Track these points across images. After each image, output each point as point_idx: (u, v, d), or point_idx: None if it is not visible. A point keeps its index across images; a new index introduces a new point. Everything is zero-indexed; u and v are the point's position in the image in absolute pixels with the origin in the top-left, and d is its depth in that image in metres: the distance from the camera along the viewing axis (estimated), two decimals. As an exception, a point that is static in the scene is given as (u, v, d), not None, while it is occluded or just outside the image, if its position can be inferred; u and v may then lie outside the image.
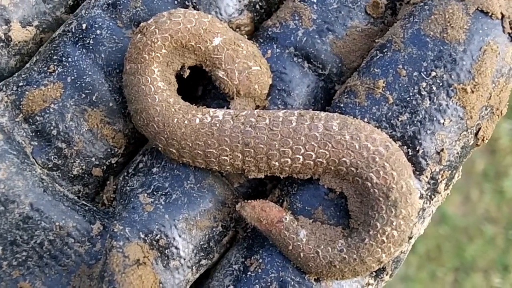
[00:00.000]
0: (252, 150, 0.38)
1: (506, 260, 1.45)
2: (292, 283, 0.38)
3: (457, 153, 0.40)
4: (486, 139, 0.42)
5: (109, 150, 0.41)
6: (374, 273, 0.40)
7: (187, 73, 0.40)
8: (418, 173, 0.39)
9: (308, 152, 0.37)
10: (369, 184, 0.36)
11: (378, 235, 0.36)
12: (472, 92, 0.39)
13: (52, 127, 0.40)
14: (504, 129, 1.57)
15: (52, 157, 0.40)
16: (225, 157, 0.38)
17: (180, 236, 0.39)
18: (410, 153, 0.38)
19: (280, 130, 0.37)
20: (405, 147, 0.38)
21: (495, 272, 1.44)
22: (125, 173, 0.42)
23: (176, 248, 0.39)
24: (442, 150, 0.39)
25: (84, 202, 0.41)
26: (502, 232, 1.50)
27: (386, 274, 0.41)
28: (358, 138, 0.37)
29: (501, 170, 1.55)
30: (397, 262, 0.41)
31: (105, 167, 0.42)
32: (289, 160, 0.37)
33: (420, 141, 0.38)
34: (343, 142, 0.37)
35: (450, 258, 1.47)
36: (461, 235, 1.50)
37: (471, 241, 1.49)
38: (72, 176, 0.41)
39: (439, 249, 1.48)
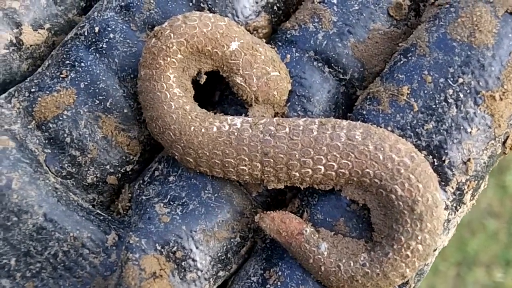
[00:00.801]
0: (272, 160, 0.36)
1: (509, 255, 1.44)
2: None
3: (484, 162, 0.38)
4: None
5: (124, 157, 0.40)
6: (397, 287, 0.39)
7: (203, 79, 0.39)
8: (443, 183, 0.37)
9: (330, 163, 0.36)
10: (394, 197, 0.35)
11: (403, 250, 0.35)
12: (501, 99, 0.37)
13: (65, 135, 0.39)
14: None
15: (66, 165, 0.39)
16: (244, 167, 0.37)
17: (197, 247, 0.38)
18: (435, 163, 0.37)
19: (300, 139, 0.36)
20: (431, 157, 0.37)
21: (498, 267, 1.43)
22: (141, 181, 0.41)
23: (193, 260, 0.38)
24: (469, 160, 0.37)
25: (99, 211, 0.40)
26: (505, 227, 1.49)
27: (409, 287, 0.39)
28: (382, 149, 0.35)
29: (504, 165, 1.54)
30: (421, 275, 0.39)
31: (120, 175, 0.41)
32: (310, 170, 0.36)
33: (446, 151, 0.37)
34: (367, 152, 0.35)
35: (453, 252, 1.47)
36: (463, 230, 1.49)
37: (474, 236, 1.48)
38: (87, 184, 0.40)
39: None
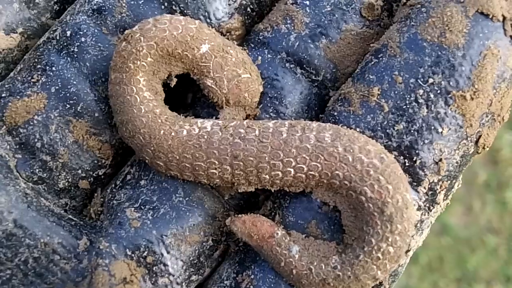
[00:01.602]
0: (242, 163, 0.36)
1: (508, 271, 1.44)
2: None
3: (457, 162, 0.38)
4: (487, 146, 0.40)
5: (96, 161, 0.40)
6: None
7: (174, 82, 0.39)
8: (415, 184, 0.37)
9: (299, 165, 0.35)
10: (363, 199, 0.35)
11: (373, 252, 0.35)
12: (472, 99, 0.37)
13: (36, 140, 0.39)
14: (506, 140, 1.57)
15: (37, 170, 0.39)
16: (214, 170, 0.37)
17: (168, 252, 0.38)
18: (407, 164, 0.37)
19: (270, 142, 0.36)
20: (402, 157, 0.37)
21: (497, 283, 1.43)
22: (113, 185, 0.41)
23: (165, 264, 0.37)
24: (441, 160, 0.37)
25: (70, 216, 0.40)
26: (504, 243, 1.49)
27: (383, 288, 0.39)
28: (351, 150, 0.35)
29: (503, 181, 1.55)
30: (395, 276, 0.39)
31: (92, 179, 0.40)
32: (279, 173, 0.36)
33: (417, 151, 0.37)
34: (336, 154, 0.35)
35: (452, 268, 1.47)
36: (463, 246, 1.49)
37: (473, 252, 1.48)
38: (58, 189, 0.40)
39: (441, 259, 1.48)
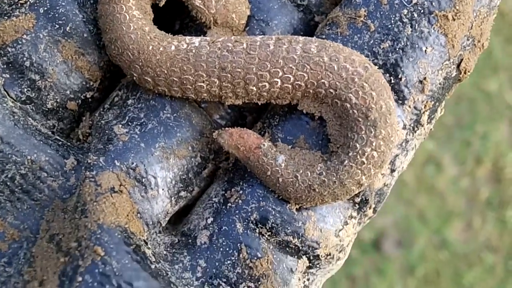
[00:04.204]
0: (229, 75, 0.37)
1: None
2: (273, 212, 0.38)
3: (440, 83, 0.39)
4: (468, 71, 0.41)
5: (84, 83, 0.40)
6: (357, 205, 0.39)
7: (163, 1, 0.39)
8: (400, 102, 0.38)
9: (286, 75, 0.36)
10: (348, 105, 0.36)
11: (358, 156, 0.35)
12: (454, 19, 0.38)
13: (24, 58, 0.39)
14: (510, 158, 1.59)
15: (25, 89, 0.39)
16: (202, 83, 0.37)
17: (157, 164, 0.38)
18: (392, 81, 0.38)
19: (257, 53, 0.36)
20: (388, 75, 0.38)
21: None
22: (101, 109, 0.41)
23: (154, 177, 0.38)
24: (425, 78, 0.38)
25: (57, 137, 0.40)
26: (502, 262, 1.50)
27: (369, 208, 0.40)
28: (336, 59, 0.36)
29: (505, 200, 1.56)
30: (380, 195, 0.40)
31: (80, 101, 0.41)
32: (267, 84, 0.37)
33: (402, 69, 0.38)
34: (322, 63, 0.36)
35: (448, 284, 1.47)
36: (460, 262, 1.50)
37: (470, 269, 1.49)
38: (47, 109, 0.40)
39: (437, 274, 1.49)
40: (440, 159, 1.60)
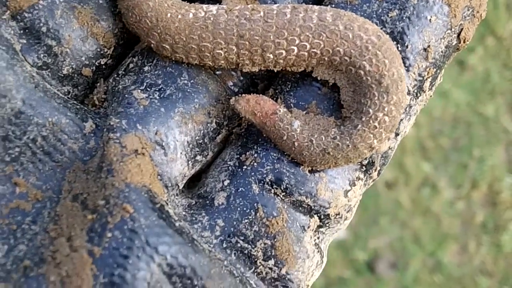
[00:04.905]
0: (247, 42, 0.38)
1: None
2: (288, 174, 0.39)
3: (442, 51, 0.41)
4: (467, 40, 0.43)
5: (98, 49, 0.41)
6: (364, 167, 0.41)
7: None
8: (406, 69, 0.40)
9: (302, 43, 0.38)
10: (362, 72, 0.37)
11: (371, 121, 0.38)
12: None
13: (41, 24, 0.39)
14: (506, 183, 1.60)
15: (42, 55, 0.40)
16: (220, 51, 0.38)
17: (177, 128, 0.39)
18: (399, 49, 0.40)
19: (275, 22, 0.38)
20: (395, 42, 0.40)
21: None
22: (115, 75, 0.42)
23: (173, 141, 0.39)
24: (429, 46, 0.40)
25: (74, 102, 0.41)
26: (497, 286, 1.51)
27: (375, 170, 0.42)
28: (351, 28, 0.37)
29: (500, 224, 1.57)
30: (385, 158, 0.42)
31: (94, 67, 0.41)
32: (283, 51, 0.38)
33: (408, 37, 0.40)
34: (337, 32, 0.37)
35: None
36: (455, 285, 1.51)
37: None
38: (62, 75, 0.41)
39: None
40: (436, 182, 1.61)
